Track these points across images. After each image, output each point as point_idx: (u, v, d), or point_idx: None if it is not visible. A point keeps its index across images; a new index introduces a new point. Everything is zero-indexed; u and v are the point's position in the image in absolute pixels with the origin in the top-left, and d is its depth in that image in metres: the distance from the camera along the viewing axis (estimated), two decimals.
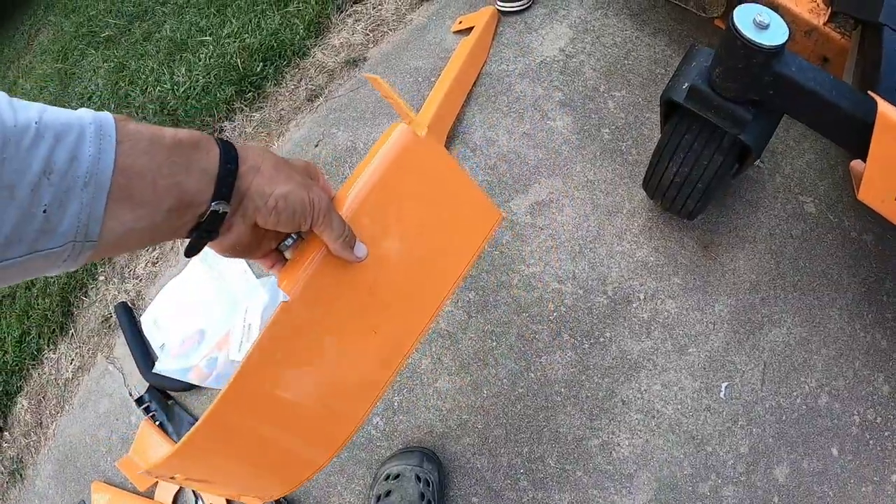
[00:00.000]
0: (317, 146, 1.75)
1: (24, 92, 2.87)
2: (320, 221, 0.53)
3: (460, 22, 1.83)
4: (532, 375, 1.33)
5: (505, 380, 1.33)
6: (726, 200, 1.47)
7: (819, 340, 1.30)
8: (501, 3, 1.80)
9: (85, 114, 0.41)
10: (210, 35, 2.23)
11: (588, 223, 1.46)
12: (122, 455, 1.48)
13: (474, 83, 1.70)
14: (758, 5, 0.93)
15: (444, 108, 1.56)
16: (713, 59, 1.01)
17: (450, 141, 1.60)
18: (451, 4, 1.95)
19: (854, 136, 0.91)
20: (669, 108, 1.18)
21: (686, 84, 1.08)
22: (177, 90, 2.09)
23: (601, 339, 1.35)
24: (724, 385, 1.29)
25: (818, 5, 1.32)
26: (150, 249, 1.80)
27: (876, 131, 0.86)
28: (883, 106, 0.84)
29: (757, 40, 0.89)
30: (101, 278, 1.81)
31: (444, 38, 1.86)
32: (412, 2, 1.99)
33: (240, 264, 1.65)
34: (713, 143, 1.14)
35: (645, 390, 1.29)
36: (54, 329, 1.77)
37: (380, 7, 2.01)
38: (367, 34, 1.94)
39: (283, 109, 1.87)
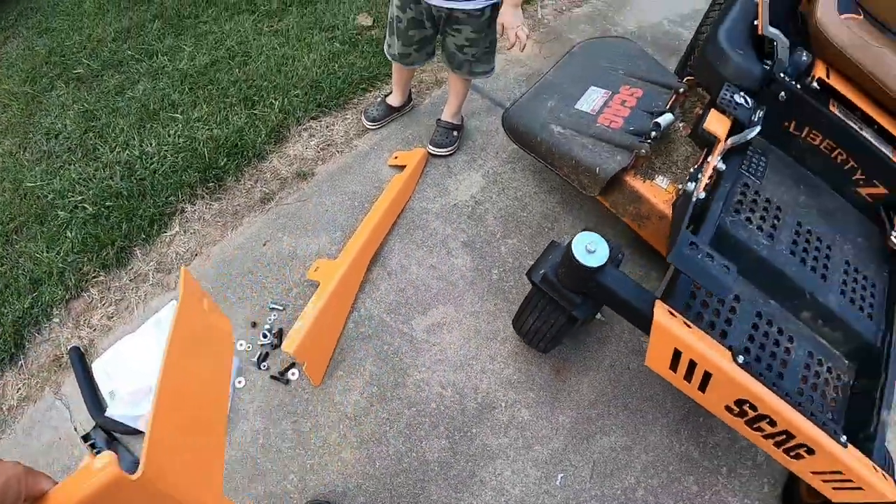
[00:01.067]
0: (264, 245, 2.14)
1: None
2: None
3: (396, 157, 2.27)
4: (414, 455, 1.73)
5: (393, 456, 1.73)
6: (581, 337, 1.96)
7: (640, 448, 1.77)
8: (432, 148, 2.25)
9: None
10: (181, 114, 2.55)
11: (470, 344, 1.91)
12: None
13: (398, 215, 2.14)
14: (592, 234, 1.41)
15: (372, 236, 1.99)
16: (560, 261, 1.47)
17: (372, 263, 2.03)
18: (390, 137, 2.40)
19: (645, 324, 1.36)
20: (531, 282, 1.64)
21: (542, 271, 1.53)
22: (145, 160, 2.36)
23: (469, 433, 1.77)
24: (559, 475, 1.73)
25: (672, 197, 1.81)
26: (107, 304, 2.10)
27: (653, 325, 1.31)
28: (657, 311, 1.31)
29: (583, 262, 1.36)
30: (56, 320, 2.02)
31: (381, 168, 2.30)
32: (358, 129, 2.42)
33: None
34: (556, 311, 1.61)
35: (499, 474, 1.71)
36: (3, 357, 1.90)
37: (331, 128, 2.43)
38: (318, 151, 2.35)
39: (238, 205, 2.25)
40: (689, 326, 1.29)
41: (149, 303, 2.02)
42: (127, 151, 2.40)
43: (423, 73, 2.69)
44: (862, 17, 1.80)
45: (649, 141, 1.78)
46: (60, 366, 1.90)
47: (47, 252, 2.09)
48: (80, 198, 2.23)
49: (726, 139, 1.67)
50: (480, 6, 1.84)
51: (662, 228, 1.81)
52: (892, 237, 1.70)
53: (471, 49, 1.98)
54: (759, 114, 1.72)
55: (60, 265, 2.04)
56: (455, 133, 2.30)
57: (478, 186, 2.23)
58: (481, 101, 2.55)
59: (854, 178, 1.81)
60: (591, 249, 1.36)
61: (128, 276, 2.08)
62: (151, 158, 2.36)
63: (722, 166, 1.64)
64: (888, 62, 1.66)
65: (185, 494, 0.67)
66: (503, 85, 2.62)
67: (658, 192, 1.81)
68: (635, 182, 1.81)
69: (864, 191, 1.81)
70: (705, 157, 1.75)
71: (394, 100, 2.41)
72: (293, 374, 1.83)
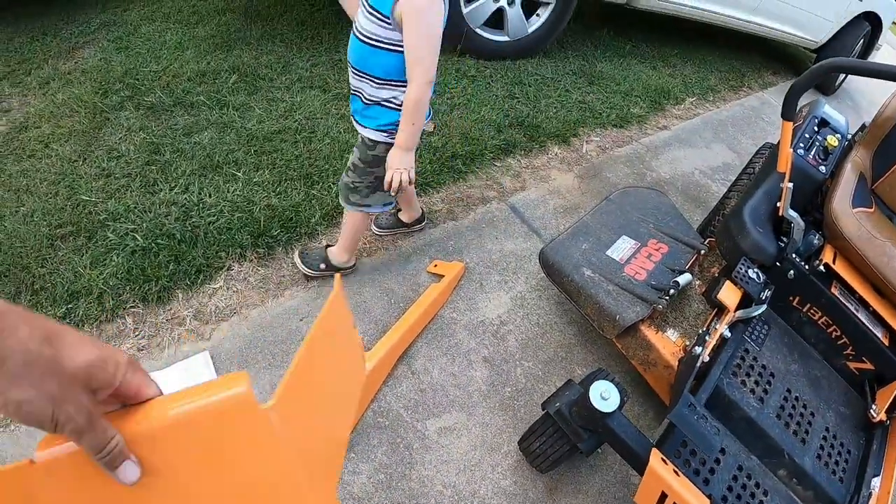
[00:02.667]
0: (301, 320, 2.36)
1: (54, 102, 3.02)
2: (68, 435, 0.47)
3: (435, 265, 2.53)
4: None
5: None
6: (576, 462, 2.17)
7: None
8: (297, 261, 2.44)
9: None
10: (243, 173, 2.80)
11: (476, 452, 2.11)
12: None
13: (430, 320, 2.38)
14: (607, 383, 1.67)
15: (404, 336, 2.22)
16: (576, 400, 1.72)
17: (399, 360, 2.26)
18: (434, 244, 2.67)
19: (639, 466, 1.60)
20: (545, 411, 1.85)
21: (557, 405, 1.78)
22: (202, 209, 2.57)
23: None
24: None
25: (678, 351, 2.05)
26: (140, 336, 2.28)
27: (647, 469, 1.55)
28: (653, 458, 1.55)
29: (598, 407, 1.62)
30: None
31: (420, 272, 2.55)
32: (404, 231, 2.68)
33: None
34: (563, 440, 1.84)
35: None
36: None
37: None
38: (365, 243, 2.61)
39: (283, 276, 2.48)
40: (677, 474, 1.54)
41: (181, 346, 2.19)
42: (185, 195, 2.60)
43: (472, 188, 2.98)
44: (874, 209, 2.12)
45: (666, 298, 2.01)
46: None
47: (90, 269, 2.18)
48: (132, 226, 2.39)
49: (735, 310, 1.90)
50: (371, 136, 1.88)
51: (666, 376, 2.00)
52: (872, 410, 1.90)
53: (353, 174, 2.01)
54: (767, 293, 1.97)
55: (101, 286, 2.14)
56: (323, 266, 2.40)
57: (505, 307, 2.49)
58: (520, 226, 2.84)
59: (845, 352, 2.05)
60: (605, 396, 1.63)
61: (165, 315, 2.25)
62: (209, 209, 2.57)
63: (728, 334, 1.87)
64: (889, 254, 1.92)
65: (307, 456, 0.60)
66: (541, 214, 2.92)
67: (667, 344, 2.05)
68: (648, 332, 2.01)
69: (852, 364, 2.06)
70: (713, 320, 1.98)
71: (404, 215, 2.59)
72: None
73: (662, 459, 1.51)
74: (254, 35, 3.96)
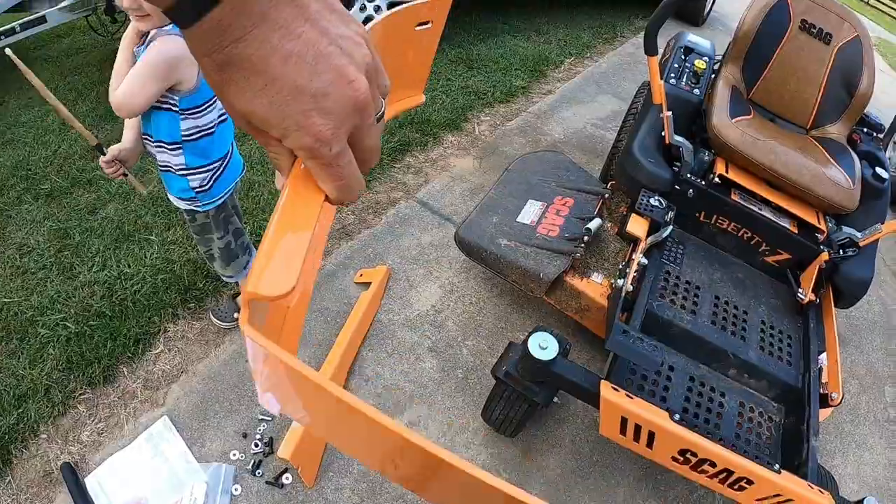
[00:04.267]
0: (248, 361, 2.35)
1: None
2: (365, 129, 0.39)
3: (361, 275, 2.56)
4: None
5: None
6: (542, 420, 2.25)
7: None
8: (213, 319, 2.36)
9: None
10: (155, 235, 2.71)
11: (445, 437, 2.17)
12: None
13: (369, 328, 2.41)
14: (543, 333, 1.73)
15: (348, 350, 2.25)
16: (518, 359, 1.78)
17: (350, 375, 2.29)
18: (354, 256, 2.70)
19: (595, 401, 1.65)
20: (495, 377, 1.91)
21: (504, 368, 1.84)
22: (125, 281, 2.47)
23: None
24: None
25: (606, 290, 2.12)
26: (96, 420, 2.17)
27: (601, 401, 1.61)
28: (603, 389, 1.60)
29: (538, 357, 1.67)
30: (44, 436, 2.02)
31: (348, 286, 2.59)
32: (325, 250, 2.70)
33: (179, 446, 2.13)
34: (519, 400, 1.91)
35: None
36: None
37: None
38: None
39: (219, 328, 2.46)
40: (630, 397, 1.61)
41: (139, 419, 2.12)
42: (105, 271, 2.48)
43: (378, 194, 3.02)
44: (753, 115, 2.25)
45: (582, 245, 2.08)
46: (52, 481, 1.87)
47: (30, 369, 2.09)
48: (60, 316, 2.27)
49: (647, 238, 1.99)
50: (184, 207, 1.82)
51: (602, 318, 2.06)
52: (800, 293, 2.03)
53: (200, 247, 2.02)
54: (671, 214, 2.05)
55: (45, 382, 2.06)
56: (237, 315, 2.30)
57: (436, 296, 2.54)
58: (432, 218, 2.90)
59: (760, 249, 2.16)
60: (543, 346, 1.69)
61: (115, 394, 2.17)
62: (131, 279, 2.47)
63: (645, 261, 1.96)
64: (777, 151, 2.04)
65: None
66: (450, 201, 2.99)
67: (594, 287, 2.08)
68: (574, 281, 2.08)
69: (770, 259, 2.18)
70: (631, 254, 2.06)
71: None
72: (287, 478, 1.98)
73: (613, 388, 1.56)
74: None
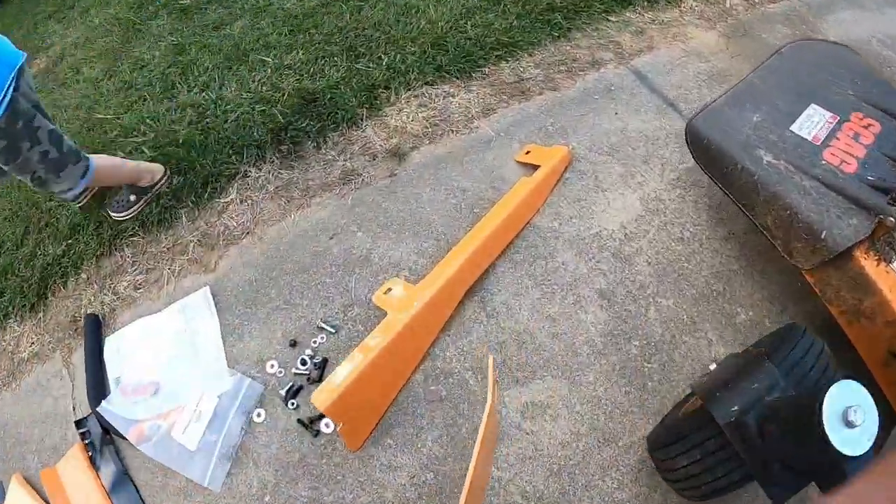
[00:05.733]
0: (332, 238, 1.53)
1: (90, 27, 2.71)
2: None
3: (527, 153, 1.59)
4: None
5: None
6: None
7: None
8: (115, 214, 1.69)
9: None
10: (272, 57, 2.03)
11: (577, 444, 1.24)
12: (49, 463, 1.37)
13: (517, 233, 1.45)
14: (860, 390, 0.75)
15: (474, 260, 1.33)
16: (775, 406, 0.87)
17: (468, 294, 1.36)
18: (525, 123, 1.71)
19: None
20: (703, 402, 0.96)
21: (734, 409, 0.92)
22: (219, 106, 1.89)
23: None
24: None
25: None
26: (137, 271, 1.64)
27: None
28: None
29: (837, 445, 0.75)
30: (84, 276, 1.66)
31: (505, 163, 1.64)
32: (484, 106, 1.75)
33: (213, 332, 1.46)
34: (735, 466, 0.97)
35: None
36: (25, 305, 1.65)
37: (449, 99, 1.79)
38: (427, 126, 1.72)
39: (312, 179, 1.66)
40: None
41: (181, 281, 1.59)
42: (204, 93, 1.99)
43: (578, 49, 1.96)
44: None
45: None
46: (76, 330, 1.58)
47: (92, 198, 1.75)
48: (142, 139, 1.85)
49: None
50: None
51: (886, 336, 1.19)
52: None
53: (20, 176, 1.39)
54: None
55: (100, 215, 1.70)
56: (133, 197, 1.69)
57: (632, 213, 1.52)
58: (649, 97, 1.81)
59: None
60: (853, 421, 0.76)
61: (166, 242, 1.67)
62: (227, 105, 1.91)
63: None
64: None
65: None
66: (679, 80, 1.88)
67: (895, 283, 1.17)
68: (867, 262, 1.19)
69: None
70: None
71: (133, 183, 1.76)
72: (327, 425, 1.28)
73: None
74: None
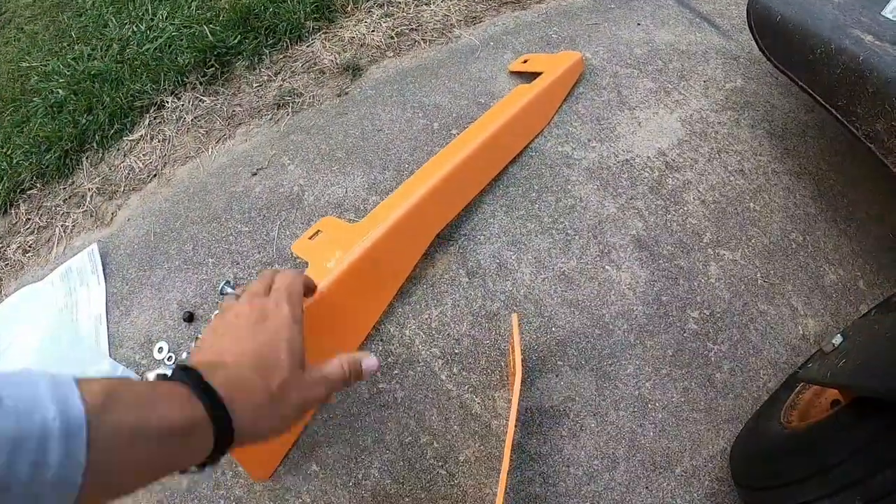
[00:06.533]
0: (254, 174, 1.02)
1: None
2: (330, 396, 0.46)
3: (525, 61, 1.06)
4: None
5: None
6: None
7: None
8: None
9: (47, 406, 0.29)
10: None
11: (613, 474, 0.71)
12: None
13: (513, 160, 0.91)
14: None
15: (443, 188, 0.79)
16: None
17: (440, 243, 0.84)
18: (520, 33, 1.19)
19: None
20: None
21: None
22: (147, 35, 1.46)
23: None
24: None
25: None
26: (29, 230, 1.19)
27: None
28: None
29: None
30: None
31: (496, 76, 1.12)
32: (469, 12, 1.21)
33: (97, 303, 0.99)
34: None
35: None
36: None
37: (423, 7, 1.23)
38: (391, 36, 1.20)
39: (238, 105, 1.15)
40: None
41: (72, 240, 1.14)
42: (135, 26, 1.54)
43: None
44: None
45: None
46: None
47: (2, 147, 1.36)
48: (62, 80, 1.44)
49: None
50: None
51: None
52: None
53: None
54: None
55: (4, 165, 1.31)
56: None
57: (673, 137, 1.00)
58: (678, 10, 1.29)
59: None
60: None
61: (63, 194, 1.23)
62: (153, 32, 1.46)
63: None
64: None
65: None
66: None
67: None
68: None
69: None
70: None
71: None
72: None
73: None
74: None
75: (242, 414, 0.38)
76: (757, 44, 0.94)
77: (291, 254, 0.89)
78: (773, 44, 0.92)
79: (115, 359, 0.88)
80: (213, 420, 0.36)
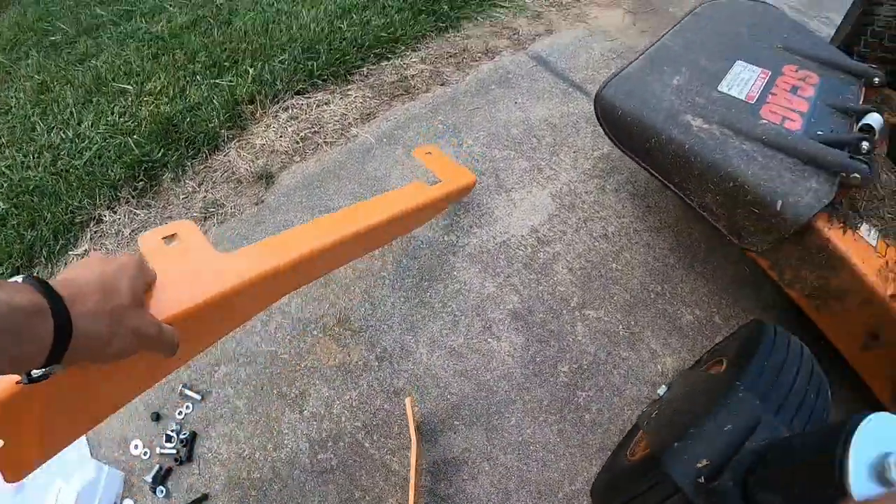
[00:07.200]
0: None
1: None
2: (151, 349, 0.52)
3: (429, 153, 1.25)
4: None
5: None
6: None
7: None
8: None
9: None
10: (133, 84, 1.72)
11: (504, 499, 0.90)
12: None
13: (405, 250, 1.12)
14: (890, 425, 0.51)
15: (320, 259, 0.92)
16: (762, 455, 0.60)
17: (354, 337, 1.03)
18: (409, 126, 1.40)
19: None
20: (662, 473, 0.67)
21: (702, 463, 0.64)
22: (75, 144, 1.61)
23: None
24: None
25: (887, 268, 0.93)
26: None
27: None
28: None
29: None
30: None
31: (389, 173, 1.34)
32: (363, 110, 1.42)
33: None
34: None
35: None
36: None
37: (324, 107, 1.46)
38: (297, 140, 1.41)
39: (170, 217, 1.35)
40: None
41: None
42: (62, 132, 1.67)
43: (469, 39, 1.66)
44: None
45: (863, 158, 0.96)
46: None
47: None
48: (0, 192, 1.55)
49: None
50: None
51: (863, 316, 0.96)
52: None
53: None
54: None
55: None
56: None
57: (544, 213, 1.22)
58: (553, 82, 1.52)
59: None
60: (890, 478, 0.45)
61: None
62: (83, 142, 1.60)
63: None
64: None
65: None
66: (585, 62, 1.60)
67: (866, 253, 0.94)
68: (832, 232, 0.96)
69: None
70: None
71: None
72: None
73: None
74: None
75: (80, 314, 0.43)
76: (604, 132, 1.16)
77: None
78: (617, 133, 1.13)
79: (97, 458, 1.06)
80: (53, 312, 0.41)
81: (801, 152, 0.99)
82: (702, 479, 0.60)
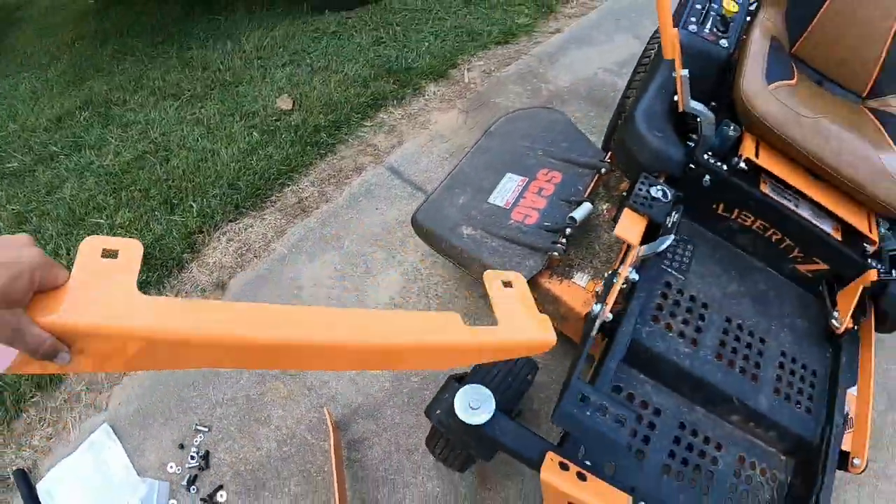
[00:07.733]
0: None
1: None
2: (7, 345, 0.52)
3: (508, 283, 2.07)
4: None
5: None
6: None
7: None
8: None
9: None
10: (105, 218, 2.37)
11: (391, 459, 1.79)
12: None
13: None
14: (478, 387, 1.24)
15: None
16: (446, 413, 1.30)
17: (289, 377, 1.87)
18: (308, 237, 2.22)
19: (533, 465, 1.18)
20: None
21: (438, 411, 1.35)
22: None
23: None
24: None
25: (591, 297, 1.53)
26: (45, 425, 1.89)
27: (541, 482, 1.16)
28: (546, 466, 1.15)
29: (465, 420, 1.20)
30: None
31: (300, 273, 2.12)
32: (277, 229, 2.23)
33: (121, 457, 1.81)
34: (458, 447, 1.49)
35: None
36: None
37: (249, 230, 2.25)
38: (237, 257, 2.19)
39: None
40: (583, 477, 1.13)
41: (83, 424, 1.88)
42: None
43: (343, 160, 2.49)
44: (796, 79, 1.52)
45: (563, 242, 1.57)
46: (8, 486, 1.78)
47: None
48: None
49: (642, 242, 1.40)
50: None
51: (579, 326, 1.59)
52: (834, 319, 1.45)
53: None
54: (676, 216, 1.43)
55: None
56: None
57: (396, 286, 2.08)
58: (401, 188, 2.37)
59: (791, 255, 1.58)
60: (474, 406, 1.21)
61: (62, 396, 1.94)
62: None
63: (635, 277, 1.39)
64: (823, 134, 1.39)
65: None
66: (426, 166, 2.45)
67: (576, 292, 1.57)
68: (551, 284, 1.59)
69: (802, 268, 1.58)
70: (620, 262, 1.51)
71: None
72: (221, 495, 1.73)
73: (562, 463, 1.15)
74: (104, 58, 3.41)
75: None
76: (423, 241, 1.76)
77: (228, 398, 1.90)
78: (427, 241, 1.74)
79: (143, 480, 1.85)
80: None
81: (526, 242, 1.59)
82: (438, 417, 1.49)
